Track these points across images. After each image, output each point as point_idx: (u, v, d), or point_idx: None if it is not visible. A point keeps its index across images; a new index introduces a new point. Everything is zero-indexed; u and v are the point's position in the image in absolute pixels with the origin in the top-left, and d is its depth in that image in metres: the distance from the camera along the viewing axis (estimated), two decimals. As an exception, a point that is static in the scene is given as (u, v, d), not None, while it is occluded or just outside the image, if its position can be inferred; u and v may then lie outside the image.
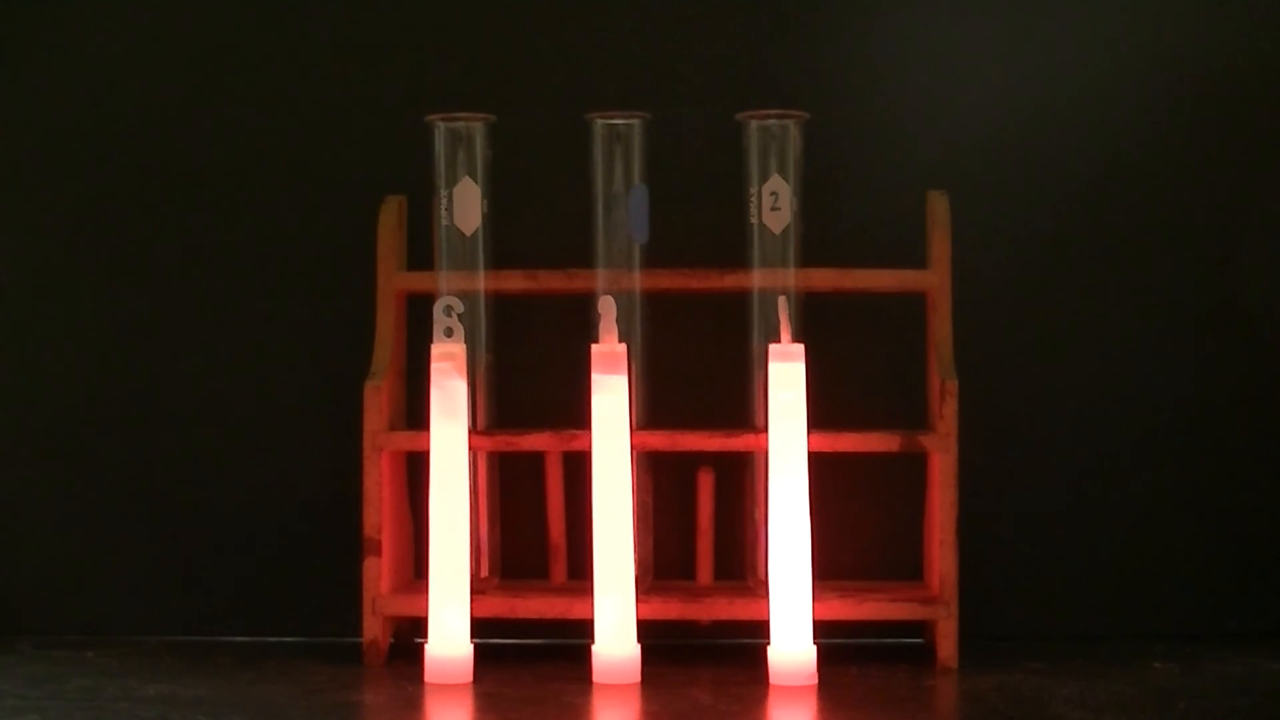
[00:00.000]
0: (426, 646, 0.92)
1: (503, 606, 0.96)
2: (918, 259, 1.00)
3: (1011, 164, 1.05)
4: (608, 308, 0.91)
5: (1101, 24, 1.05)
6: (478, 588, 0.96)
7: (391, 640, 0.98)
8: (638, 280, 0.97)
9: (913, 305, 1.01)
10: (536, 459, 1.00)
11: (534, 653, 0.99)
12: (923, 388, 1.01)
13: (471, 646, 0.92)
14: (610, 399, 0.91)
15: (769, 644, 0.91)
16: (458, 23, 1.06)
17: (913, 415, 1.01)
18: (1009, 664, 0.95)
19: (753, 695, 0.88)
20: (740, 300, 0.97)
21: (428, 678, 0.91)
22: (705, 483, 0.99)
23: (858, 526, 1.02)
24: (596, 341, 0.91)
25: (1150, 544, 1.04)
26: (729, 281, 0.98)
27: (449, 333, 0.92)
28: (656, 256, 0.97)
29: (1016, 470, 1.04)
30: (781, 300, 0.93)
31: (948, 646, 0.95)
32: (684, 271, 0.98)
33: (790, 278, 0.96)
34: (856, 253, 1.01)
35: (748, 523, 0.98)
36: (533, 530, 1.01)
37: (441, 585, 0.91)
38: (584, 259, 0.98)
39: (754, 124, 0.96)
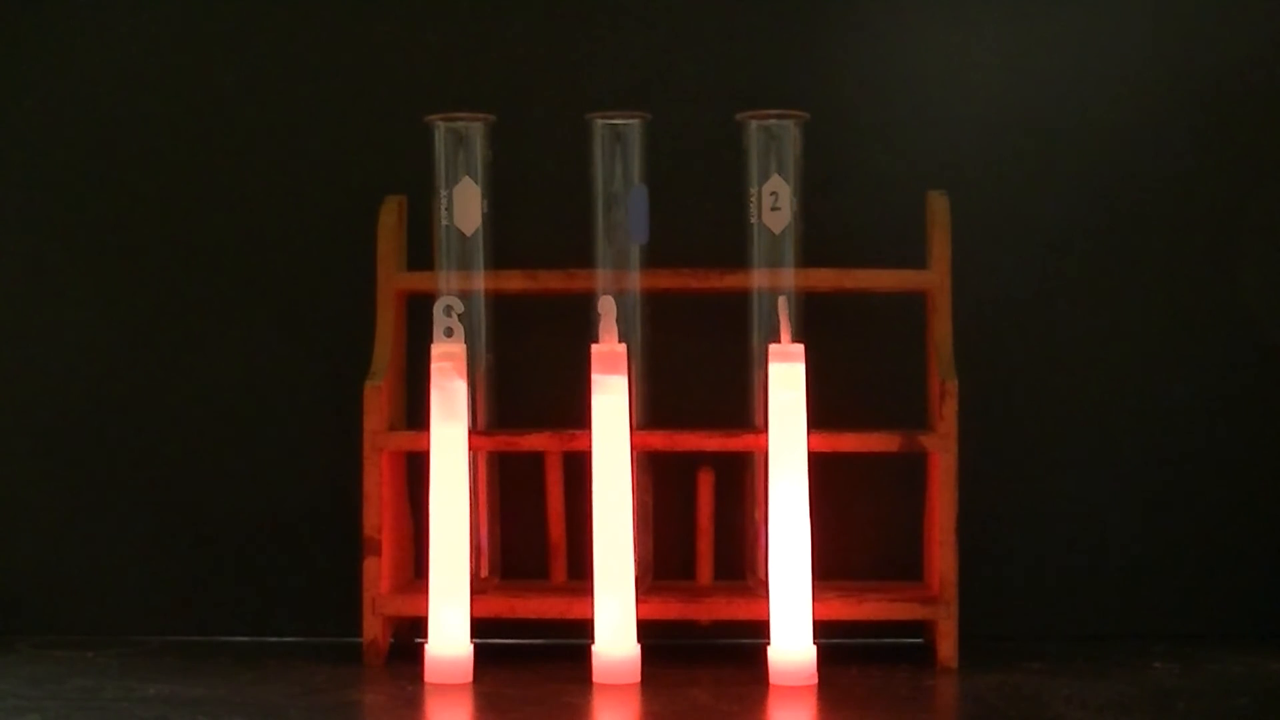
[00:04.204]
0: (426, 646, 0.92)
1: (503, 606, 0.96)
2: (918, 259, 1.00)
3: (1011, 164, 1.05)
4: (608, 308, 0.91)
5: (1101, 24, 1.05)
6: (478, 588, 0.96)
7: (391, 640, 0.98)
8: (638, 280, 0.97)
9: (913, 305, 1.01)
10: (536, 459, 0.99)
11: (534, 653, 0.99)
12: (923, 388, 1.01)
13: (471, 646, 0.92)
14: (610, 399, 0.91)
15: (769, 644, 0.91)
16: (458, 23, 1.06)
17: (913, 415, 1.01)
18: (1009, 664, 0.95)
19: (753, 695, 0.88)
20: (740, 300, 0.97)
21: (428, 678, 0.91)
22: (705, 483, 0.99)
23: (858, 526, 1.02)
24: (596, 341, 0.91)
25: (1150, 544, 1.04)
26: (729, 281, 0.98)
27: (449, 333, 0.92)
28: (656, 256, 0.97)
29: (1016, 470, 1.04)
30: (781, 300, 0.93)
31: (948, 646, 0.95)
32: (684, 271, 0.98)
33: (790, 278, 0.96)
34: (856, 253, 1.01)
35: (748, 523, 0.98)
36: (533, 530, 1.01)
37: (441, 585, 0.91)
38: (584, 259, 0.98)
39: (754, 124, 0.96)
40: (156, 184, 1.06)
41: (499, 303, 0.99)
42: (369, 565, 0.97)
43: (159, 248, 1.06)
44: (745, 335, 0.97)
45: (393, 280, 1.00)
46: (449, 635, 0.91)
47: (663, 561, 1.00)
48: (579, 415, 0.94)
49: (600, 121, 0.97)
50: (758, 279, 0.97)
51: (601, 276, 0.97)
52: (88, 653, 0.99)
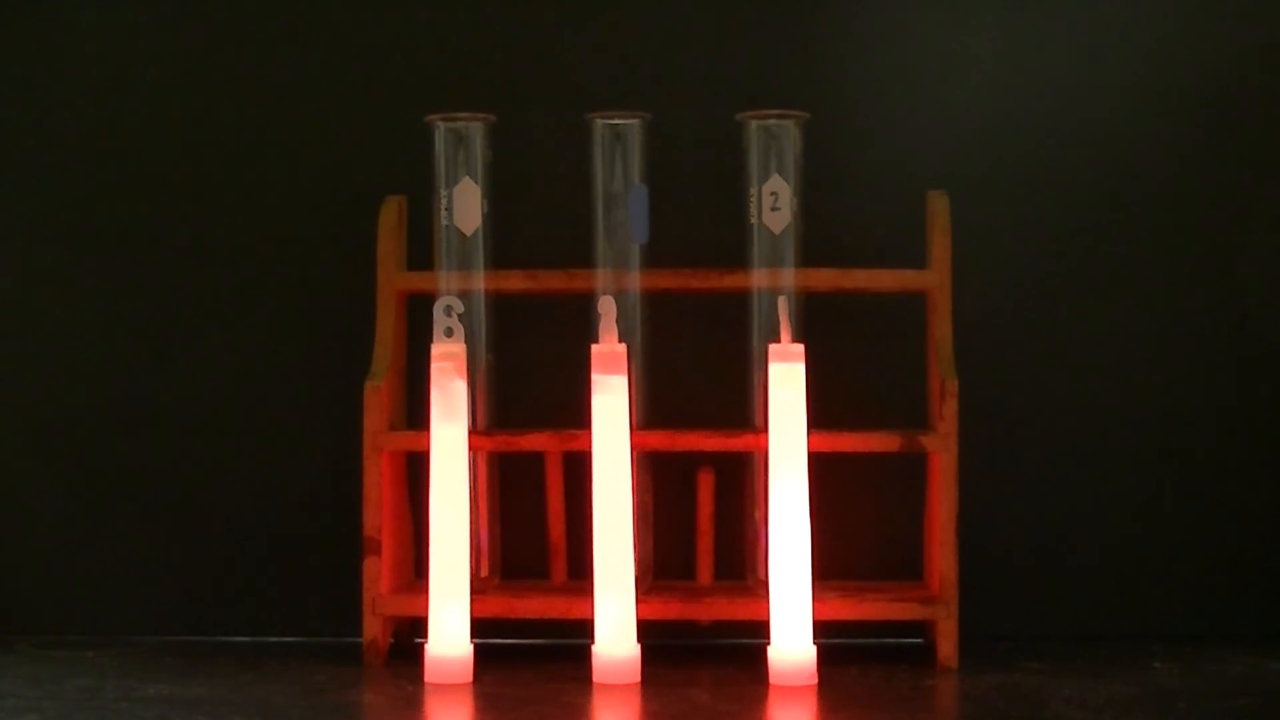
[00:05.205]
0: (426, 646, 0.92)
1: (503, 606, 0.96)
2: (918, 259, 1.00)
3: (1011, 164, 1.05)
4: (608, 308, 0.91)
5: (1101, 24, 1.05)
6: (478, 588, 0.96)
7: (391, 640, 0.98)
8: (638, 280, 0.97)
9: (913, 305, 1.01)
10: (536, 459, 0.99)
11: (534, 653, 0.99)
12: (923, 388, 1.01)
13: (471, 646, 0.92)
14: (610, 399, 0.91)
15: (769, 644, 0.91)
16: (458, 23, 1.06)
17: (913, 415, 1.01)
18: (1009, 664, 0.95)
19: (753, 695, 0.88)
20: (740, 300, 0.97)
21: (428, 678, 0.91)
22: (705, 483, 0.99)
23: (858, 526, 1.02)
24: (596, 341, 0.91)
25: (1150, 544, 1.04)
26: (729, 281, 0.98)
27: (449, 333, 0.92)
28: (656, 256, 0.97)
29: (1016, 470, 1.04)
30: (781, 300, 0.93)
31: (948, 646, 0.95)
32: (684, 271, 0.98)
33: (790, 278, 0.96)
34: (856, 253, 1.01)
35: (748, 523, 0.98)
36: (533, 530, 1.01)
37: (441, 585, 0.91)
38: (584, 259, 0.98)
39: (754, 124, 0.96)
40: (156, 184, 1.06)
41: (499, 303, 0.99)
42: (369, 565, 0.97)
43: (159, 247, 1.06)
44: (745, 335, 0.97)
45: (393, 280, 1.00)
46: (449, 635, 0.91)
47: (663, 561, 1.00)
48: (579, 415, 0.94)
49: (600, 121, 0.97)
50: (758, 279, 0.97)
51: (601, 276, 0.97)
52: (88, 653, 0.99)
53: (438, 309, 0.92)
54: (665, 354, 0.99)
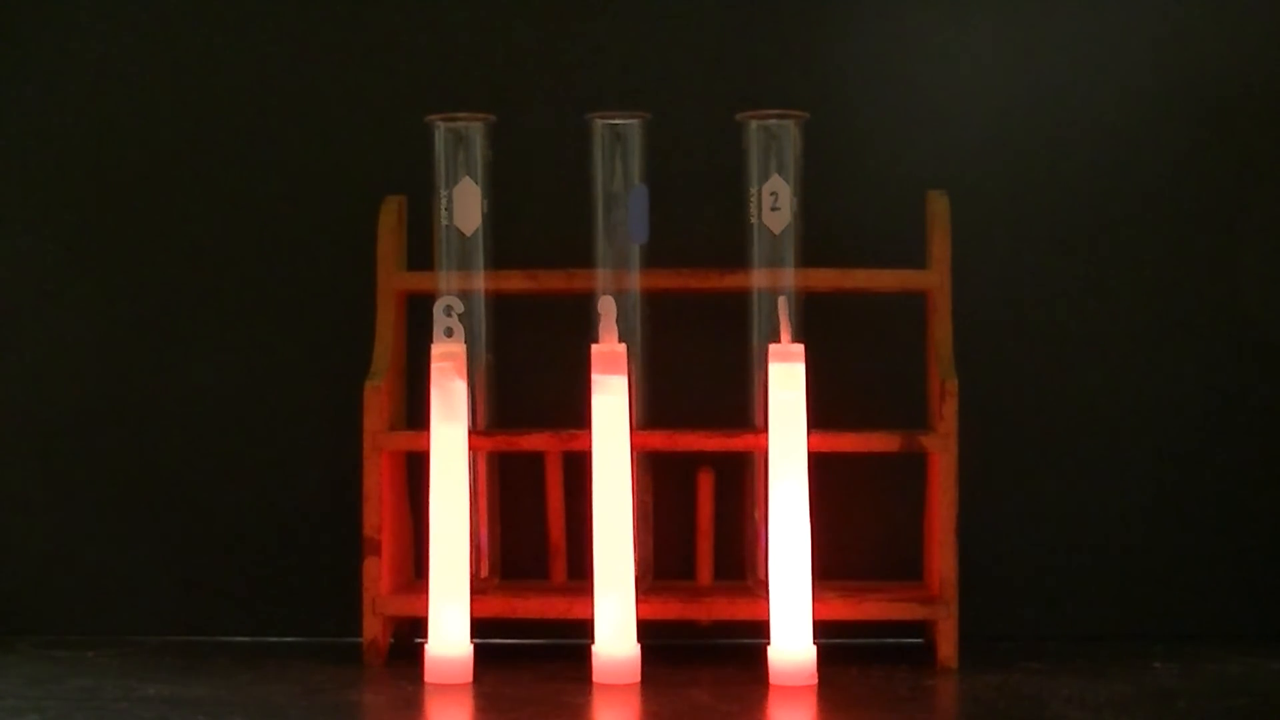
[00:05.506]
0: (426, 646, 0.92)
1: (503, 606, 0.96)
2: (918, 259, 1.00)
3: (1011, 164, 1.05)
4: (608, 308, 0.91)
5: (1101, 24, 1.05)
6: (478, 588, 0.96)
7: (391, 640, 0.98)
8: (638, 280, 0.97)
9: (913, 305, 1.01)
10: (536, 459, 0.99)
11: (534, 653, 0.99)
12: (923, 388, 1.01)
13: (471, 646, 0.92)
14: (610, 399, 0.91)
15: (769, 644, 0.91)
16: (458, 23, 1.06)
17: (913, 415, 1.01)
18: (1009, 664, 0.95)
19: (753, 695, 0.88)
20: (740, 300, 0.97)
21: (428, 678, 0.91)
22: (705, 483, 0.99)
23: (858, 526, 1.02)
24: (596, 341, 0.91)
25: (1150, 544, 1.04)
26: (729, 281, 0.98)
27: (449, 333, 0.92)
28: (656, 256, 0.97)
29: (1016, 470, 1.04)
30: (781, 300, 0.93)
31: (948, 646, 0.95)
32: (684, 271, 0.98)
33: (790, 278, 0.96)
34: (856, 253, 1.01)
35: (748, 523, 0.98)
36: (533, 530, 1.01)
37: (441, 585, 0.91)
38: (584, 259, 0.98)
39: (754, 124, 0.96)
40: (157, 184, 1.06)
41: (499, 303, 0.99)
42: (369, 565, 0.97)
43: (159, 248, 1.06)
44: (745, 335, 0.97)
45: (393, 280, 1.00)
46: (449, 635, 0.91)
47: (663, 561, 1.00)
48: (579, 415, 0.94)
49: (600, 121, 0.97)
50: (758, 279, 0.97)
51: (601, 276, 0.97)
52: (88, 653, 0.99)
53: (438, 309, 0.92)
54: (665, 354, 0.99)
